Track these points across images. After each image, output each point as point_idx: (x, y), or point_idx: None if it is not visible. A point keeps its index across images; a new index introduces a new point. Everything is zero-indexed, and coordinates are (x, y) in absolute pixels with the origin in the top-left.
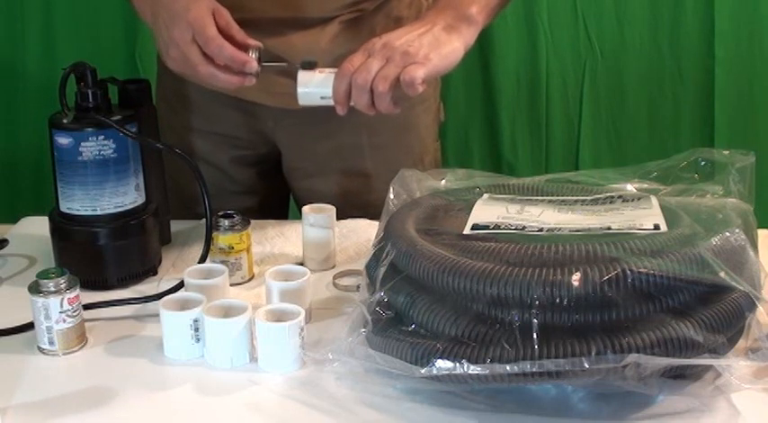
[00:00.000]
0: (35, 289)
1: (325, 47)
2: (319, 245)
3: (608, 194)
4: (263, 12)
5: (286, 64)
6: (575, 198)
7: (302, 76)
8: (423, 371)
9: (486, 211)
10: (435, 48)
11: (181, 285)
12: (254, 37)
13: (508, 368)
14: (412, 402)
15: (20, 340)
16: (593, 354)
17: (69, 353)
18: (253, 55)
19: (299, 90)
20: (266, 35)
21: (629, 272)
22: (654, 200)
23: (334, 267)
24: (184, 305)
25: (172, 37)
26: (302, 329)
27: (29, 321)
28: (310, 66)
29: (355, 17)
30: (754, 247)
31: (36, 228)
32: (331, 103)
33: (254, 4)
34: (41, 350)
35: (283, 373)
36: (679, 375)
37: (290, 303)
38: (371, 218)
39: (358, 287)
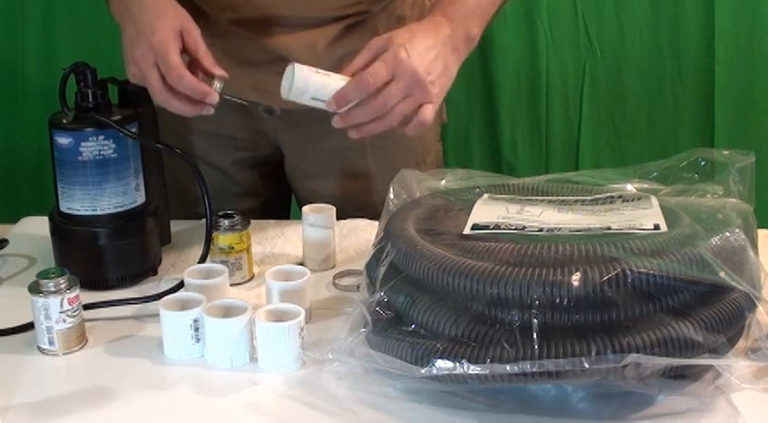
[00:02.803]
0: (35, 289)
1: (326, 46)
2: (319, 245)
3: (608, 194)
4: (263, 10)
5: (247, 103)
6: (575, 198)
7: (300, 70)
8: (423, 371)
9: (486, 211)
10: (445, 83)
11: (181, 285)
12: (254, 36)
13: (508, 368)
14: (412, 402)
15: (20, 340)
16: (593, 354)
17: (69, 353)
18: (217, 85)
19: (297, 83)
20: (266, 34)
21: (629, 272)
22: (654, 200)
23: (334, 267)
24: (184, 305)
25: (134, 55)
26: (302, 329)
27: (29, 321)
28: (270, 112)
29: (360, 19)
30: (754, 247)
31: (36, 228)
32: (318, 105)
33: (255, 2)
34: (41, 350)
35: (283, 373)
36: (679, 375)
37: (290, 303)
38: (371, 218)
39: (358, 287)
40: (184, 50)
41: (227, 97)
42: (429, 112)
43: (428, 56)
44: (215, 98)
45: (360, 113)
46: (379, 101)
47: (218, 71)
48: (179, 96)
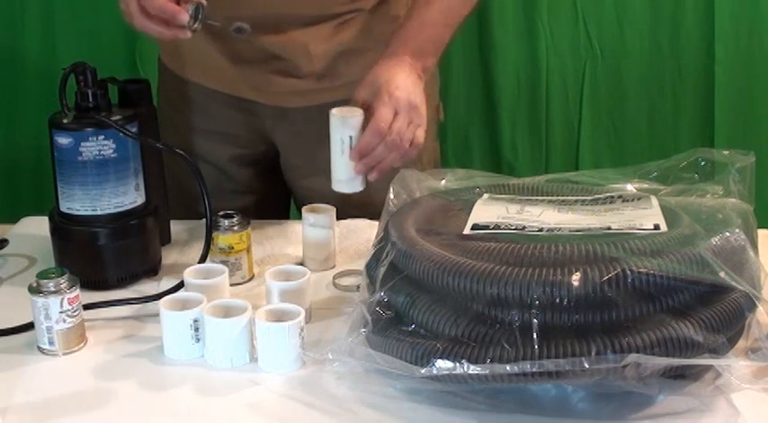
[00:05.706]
0: (35, 289)
1: (323, 44)
2: (319, 245)
3: (608, 194)
4: (260, 8)
5: (219, 24)
6: (575, 198)
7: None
8: (423, 371)
9: (486, 211)
10: (425, 107)
11: (181, 285)
12: (252, 33)
13: (508, 368)
14: (412, 402)
15: (20, 340)
16: (593, 354)
17: (69, 353)
18: (189, 8)
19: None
20: (264, 32)
21: (629, 272)
22: (654, 200)
23: (334, 267)
24: (184, 305)
25: None
26: (302, 329)
27: (29, 321)
28: (241, 31)
29: (353, 17)
30: (754, 247)
31: (36, 228)
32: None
33: (250, 0)
34: (41, 350)
35: (283, 373)
36: (679, 375)
37: (290, 303)
38: (371, 218)
39: (358, 287)
40: None
41: (207, 23)
42: (421, 134)
43: (410, 86)
44: (184, 17)
45: (380, 153)
46: (393, 136)
47: None
48: (154, 19)
